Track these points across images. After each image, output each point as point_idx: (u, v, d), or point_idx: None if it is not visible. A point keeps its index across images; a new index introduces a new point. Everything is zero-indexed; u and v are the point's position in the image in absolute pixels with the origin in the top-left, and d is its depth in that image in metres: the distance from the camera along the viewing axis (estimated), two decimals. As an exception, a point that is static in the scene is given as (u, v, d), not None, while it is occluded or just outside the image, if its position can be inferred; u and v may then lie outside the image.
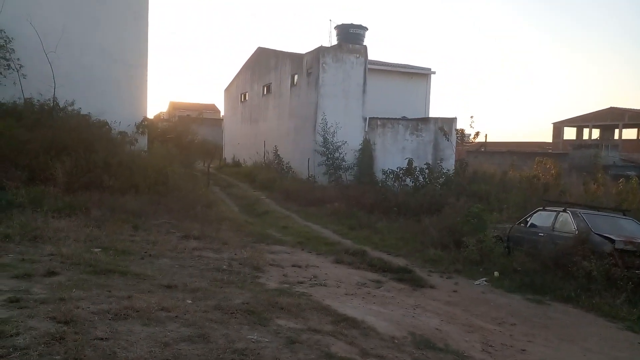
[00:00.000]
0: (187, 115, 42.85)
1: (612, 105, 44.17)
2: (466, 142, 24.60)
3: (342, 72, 21.46)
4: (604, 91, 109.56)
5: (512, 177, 19.40)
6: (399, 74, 24.84)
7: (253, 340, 4.67)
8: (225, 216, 12.67)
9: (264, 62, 27.80)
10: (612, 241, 8.67)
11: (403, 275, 8.75)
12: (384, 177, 18.92)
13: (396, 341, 5.47)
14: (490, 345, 5.72)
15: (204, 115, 44.72)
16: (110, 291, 5.45)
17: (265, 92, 27.74)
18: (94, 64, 15.54)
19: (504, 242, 11.08)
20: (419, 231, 12.40)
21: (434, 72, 24.99)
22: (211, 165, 24.60)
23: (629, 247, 8.55)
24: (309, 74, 22.33)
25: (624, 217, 10.45)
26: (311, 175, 20.97)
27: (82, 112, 14.37)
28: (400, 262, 9.94)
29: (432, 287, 8.30)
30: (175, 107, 56.22)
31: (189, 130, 24.94)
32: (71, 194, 10.73)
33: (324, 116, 20.35)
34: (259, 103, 28.46)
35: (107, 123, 14.58)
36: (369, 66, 22.46)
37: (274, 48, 27.05)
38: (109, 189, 11.45)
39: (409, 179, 18.48)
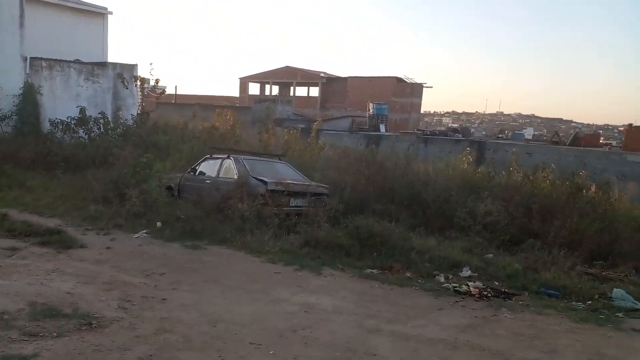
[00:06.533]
0: None
1: (288, 65, 49.71)
2: (151, 92, 23.51)
3: (-12, -2, 17.28)
4: (284, 50, 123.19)
5: (194, 127, 19.60)
6: (69, 10, 21.60)
7: None
8: None
9: None
10: (265, 183, 9.49)
11: (49, 238, 7.61)
12: (53, 128, 16.47)
13: (6, 317, 4.56)
14: (128, 301, 5.38)
15: None
16: None
17: None
18: None
19: (174, 191, 11.00)
20: (82, 187, 11.16)
21: (111, 13, 22.71)
22: None
23: (279, 187, 9.54)
24: (-64, -5, 17.18)
25: (280, 161, 11.65)
26: (-53, 127, 16.57)
27: None
28: (52, 223, 8.68)
29: (82, 246, 7.45)
30: None
31: None
32: None
33: (-37, 51, 16.13)
34: None
35: None
36: (29, -5, 18.77)
37: None
38: None
39: (82, 130, 16.58)
